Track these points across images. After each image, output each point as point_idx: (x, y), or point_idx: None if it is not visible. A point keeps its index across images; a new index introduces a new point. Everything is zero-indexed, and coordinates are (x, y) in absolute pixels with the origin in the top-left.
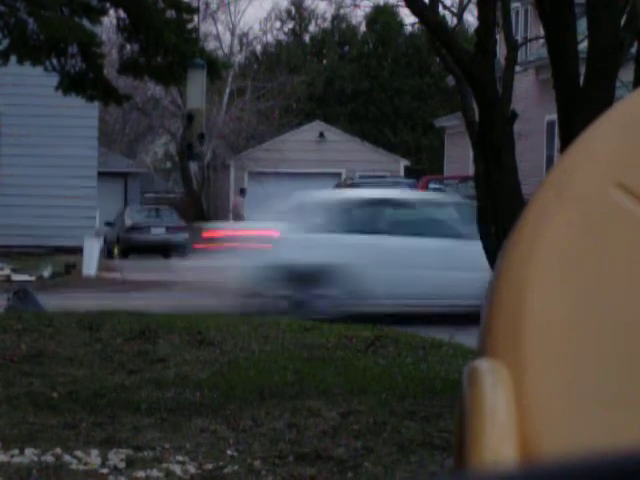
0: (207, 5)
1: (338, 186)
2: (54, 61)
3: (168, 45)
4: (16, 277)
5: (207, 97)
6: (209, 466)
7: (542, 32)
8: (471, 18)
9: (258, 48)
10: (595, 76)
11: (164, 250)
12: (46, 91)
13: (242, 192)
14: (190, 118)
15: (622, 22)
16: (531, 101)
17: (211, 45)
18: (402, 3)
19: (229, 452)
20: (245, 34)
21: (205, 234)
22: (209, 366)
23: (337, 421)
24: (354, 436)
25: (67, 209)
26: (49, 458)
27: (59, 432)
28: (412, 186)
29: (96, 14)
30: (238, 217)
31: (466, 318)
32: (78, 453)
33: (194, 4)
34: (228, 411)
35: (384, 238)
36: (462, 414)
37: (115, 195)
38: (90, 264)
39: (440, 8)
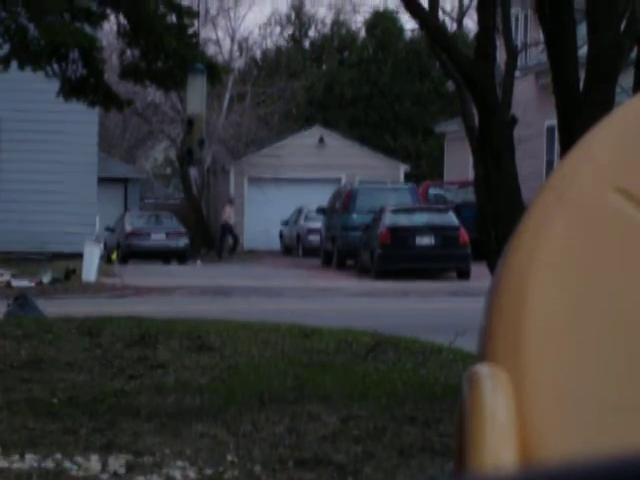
0: (207, 10)
1: (338, 191)
2: (55, 66)
3: (168, 50)
4: (16, 283)
5: (207, 102)
6: (209, 471)
7: (542, 37)
8: (471, 23)
9: (258, 53)
10: (595, 81)
11: (164, 256)
12: (46, 97)
13: (230, 202)
14: (190, 123)
15: (622, 27)
16: (531, 106)
17: (211, 50)
18: (402, 8)
19: (229, 457)
20: (245, 39)
21: None
22: (209, 371)
23: (337, 426)
24: (354, 441)
25: (67, 215)
26: (49, 464)
27: (59, 438)
28: (412, 191)
29: (97, 19)
30: (226, 228)
31: None
32: (78, 459)
33: (194, 9)
34: (228, 416)
35: None
36: (462, 419)
37: (115, 201)
38: (90, 270)
39: (440, 13)
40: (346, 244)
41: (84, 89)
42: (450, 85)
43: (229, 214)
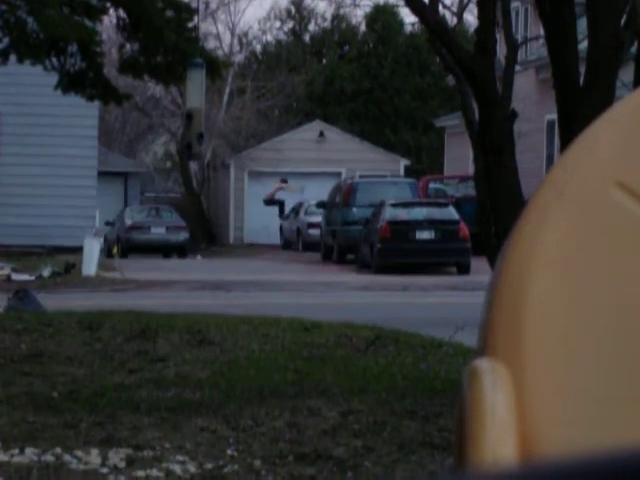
0: (207, 5)
1: (338, 186)
2: (54, 60)
3: (168, 44)
4: (16, 277)
5: (207, 96)
6: (209, 465)
7: (542, 31)
8: (471, 18)
9: (258, 47)
10: (595, 75)
11: (164, 250)
12: (46, 90)
13: (284, 181)
14: (189, 117)
15: (622, 21)
16: (531, 100)
17: (211, 45)
18: (402, 3)
19: (229, 452)
20: (245, 34)
21: None
22: (209, 365)
23: (337, 420)
24: (354, 435)
25: (67, 209)
26: (49, 457)
27: (59, 431)
28: (413, 186)
29: (96, 13)
30: (271, 201)
31: None
32: (78, 452)
33: (194, 4)
34: (228, 410)
35: None
36: (462, 413)
37: (115, 195)
38: (90, 264)
39: (440, 8)
40: (346, 238)
41: (82, 83)
42: (450, 79)
43: (275, 189)
